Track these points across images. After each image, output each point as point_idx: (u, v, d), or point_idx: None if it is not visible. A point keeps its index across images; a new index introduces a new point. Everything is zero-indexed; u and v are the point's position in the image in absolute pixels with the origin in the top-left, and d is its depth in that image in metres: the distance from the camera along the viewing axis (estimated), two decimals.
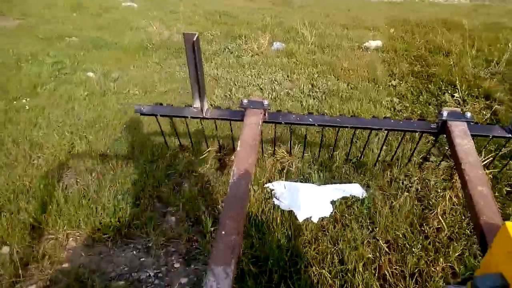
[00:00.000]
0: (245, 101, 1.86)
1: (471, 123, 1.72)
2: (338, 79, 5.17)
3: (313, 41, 6.75)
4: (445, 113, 1.74)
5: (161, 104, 1.99)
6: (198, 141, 3.19)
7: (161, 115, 1.96)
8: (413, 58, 6.03)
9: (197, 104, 1.89)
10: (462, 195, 2.41)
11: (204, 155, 2.39)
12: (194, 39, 1.62)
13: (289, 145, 2.49)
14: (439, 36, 6.88)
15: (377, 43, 6.61)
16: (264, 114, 1.85)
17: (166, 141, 2.52)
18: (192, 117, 1.94)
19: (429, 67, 5.55)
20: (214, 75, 5.33)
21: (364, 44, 6.58)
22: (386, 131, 1.94)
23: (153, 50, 6.54)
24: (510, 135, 1.75)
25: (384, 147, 3.19)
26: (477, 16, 9.05)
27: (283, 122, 1.92)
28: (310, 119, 1.90)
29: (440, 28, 7.50)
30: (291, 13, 9.59)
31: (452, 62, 5.39)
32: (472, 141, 1.60)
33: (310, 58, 6.02)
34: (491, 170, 2.61)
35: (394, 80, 5.12)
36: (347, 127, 1.89)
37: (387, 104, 4.41)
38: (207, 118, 1.92)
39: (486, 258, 0.96)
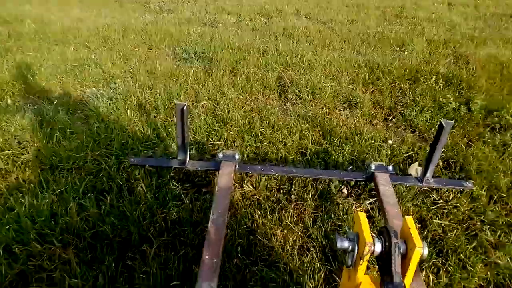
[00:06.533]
0: (220, 155, 2.31)
1: (392, 174, 2.27)
2: None
3: None
4: (373, 166, 2.28)
5: (150, 156, 2.41)
6: None
7: (149, 165, 2.37)
8: None
9: (181, 156, 2.32)
10: None
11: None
12: (184, 108, 2.09)
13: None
14: None
15: None
16: (235, 166, 2.31)
17: None
18: (176, 167, 2.37)
19: None
20: None
21: None
22: (329, 179, 2.46)
23: None
24: (421, 184, 2.32)
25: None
26: None
27: (250, 172, 2.39)
28: (272, 170, 2.39)
29: None
30: None
31: None
32: (392, 188, 2.14)
33: None
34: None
35: None
36: (300, 176, 2.40)
37: None
38: (189, 169, 2.35)
39: None
